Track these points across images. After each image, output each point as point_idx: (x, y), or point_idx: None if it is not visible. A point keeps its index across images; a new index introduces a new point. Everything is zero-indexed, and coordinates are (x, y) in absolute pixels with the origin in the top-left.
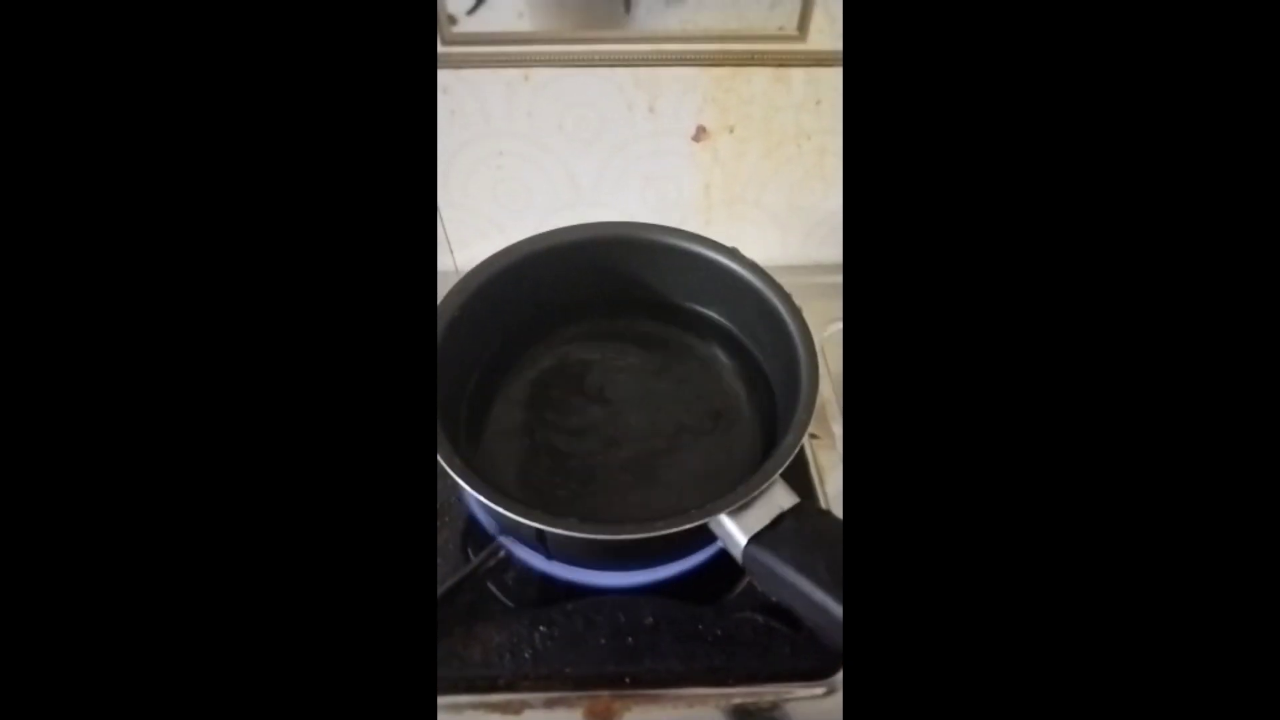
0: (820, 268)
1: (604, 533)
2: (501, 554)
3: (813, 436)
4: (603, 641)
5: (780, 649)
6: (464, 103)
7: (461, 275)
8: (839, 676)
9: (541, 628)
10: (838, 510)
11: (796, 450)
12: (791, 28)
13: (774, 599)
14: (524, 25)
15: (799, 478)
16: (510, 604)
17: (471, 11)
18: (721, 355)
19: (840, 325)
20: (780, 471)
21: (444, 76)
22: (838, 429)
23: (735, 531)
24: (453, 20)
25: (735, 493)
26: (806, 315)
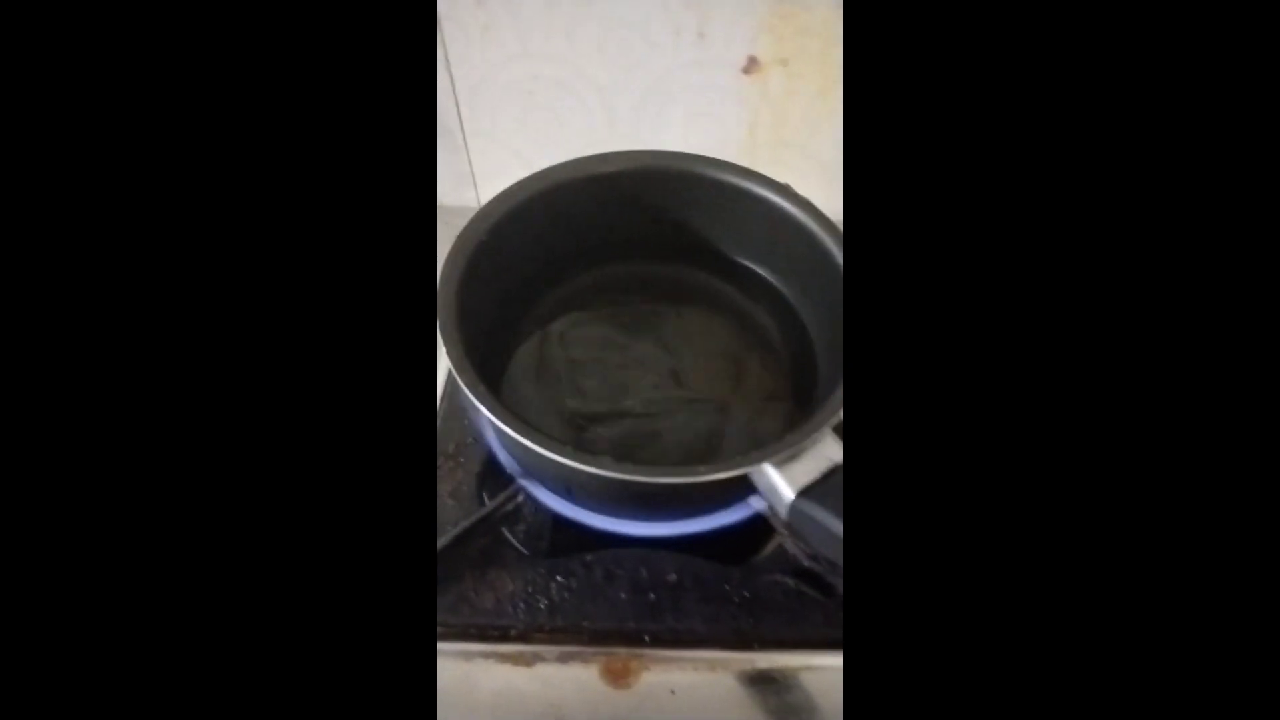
0: None
1: (641, 474)
2: (520, 498)
3: None
4: (623, 596)
5: (812, 615)
6: (498, 17)
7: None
8: None
9: (559, 577)
10: None
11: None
12: None
13: (822, 557)
14: None
15: None
16: (526, 551)
17: None
18: (763, 305)
19: None
20: (832, 424)
21: None
22: None
23: (781, 484)
24: None
25: (783, 441)
26: None
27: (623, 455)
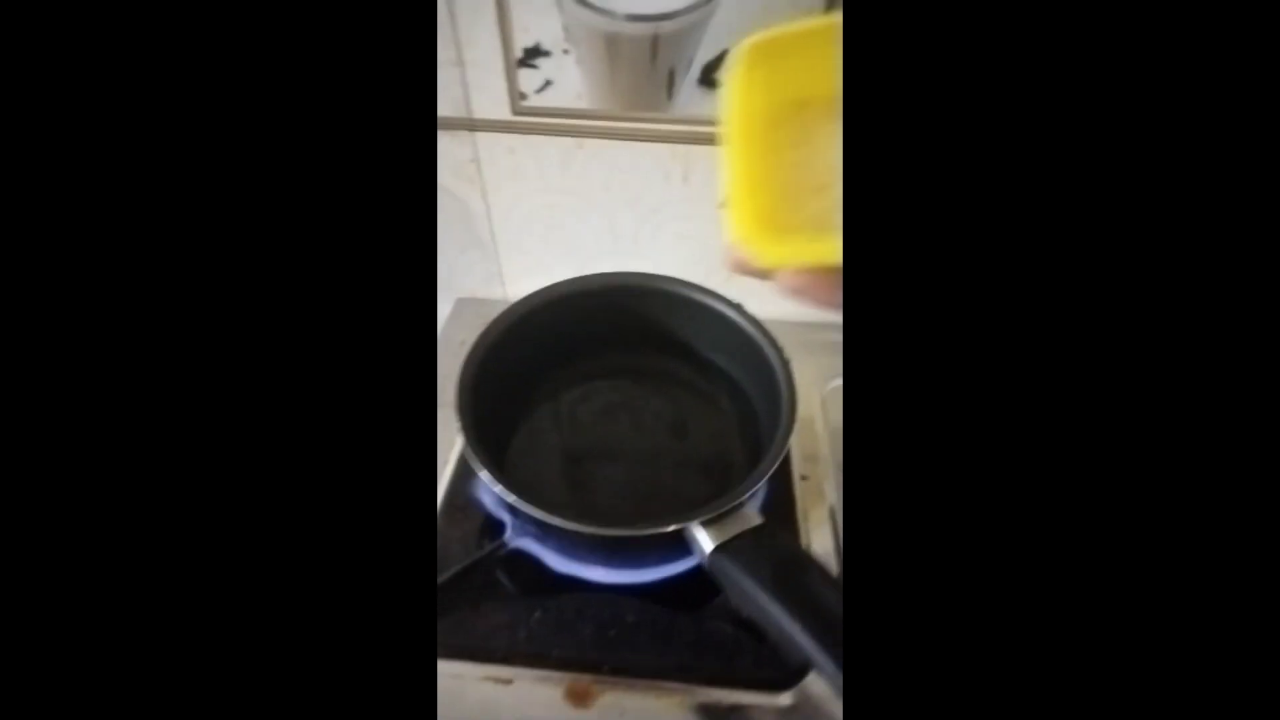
0: (829, 325)
1: (591, 525)
2: (510, 546)
3: (803, 478)
4: (588, 631)
5: (744, 658)
6: (525, 163)
7: (510, 304)
8: (798, 688)
9: (537, 612)
10: (820, 543)
11: (765, 479)
12: None
13: (733, 604)
14: (581, 104)
15: (784, 510)
16: (513, 589)
17: (540, 91)
18: (723, 393)
19: (841, 380)
20: (748, 495)
21: (512, 140)
22: (829, 486)
23: (704, 539)
24: (523, 96)
25: (708, 506)
26: (811, 369)
27: (600, 512)
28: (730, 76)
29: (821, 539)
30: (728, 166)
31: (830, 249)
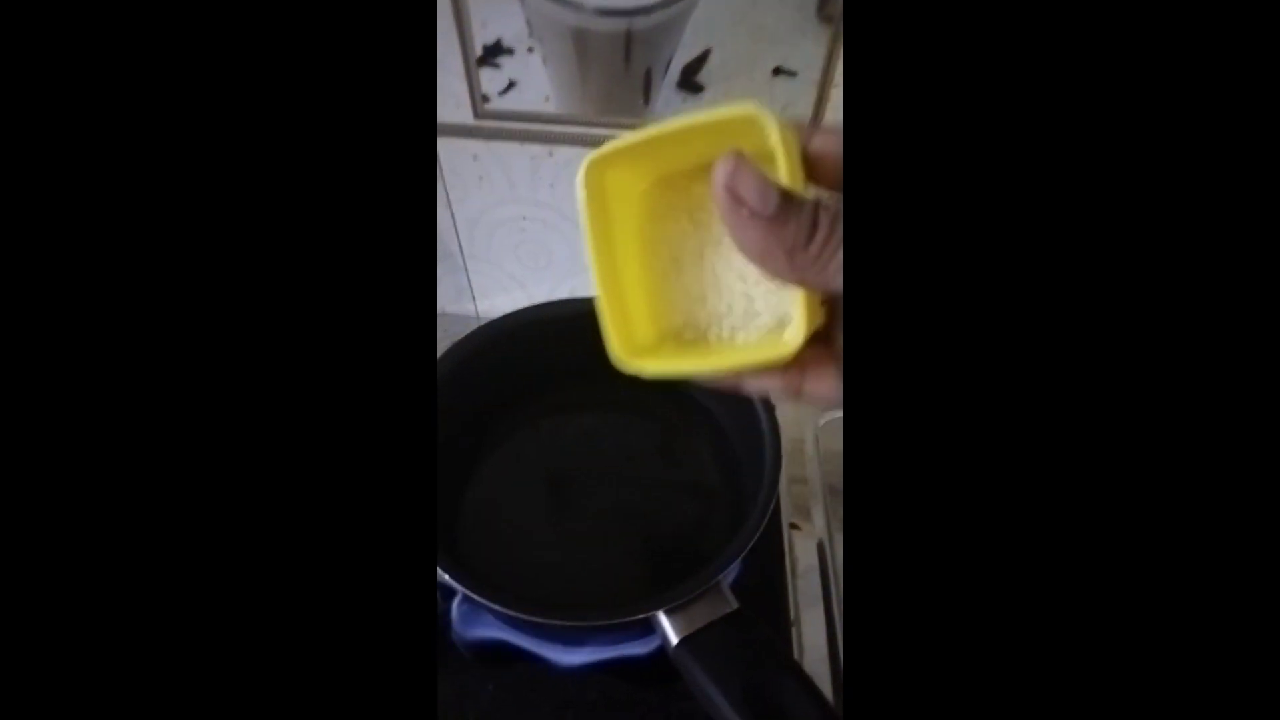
0: None
1: (536, 615)
2: (464, 608)
3: (793, 527)
4: (546, 710)
5: None
6: (491, 170)
7: (481, 323)
8: None
9: (490, 686)
10: (808, 600)
11: (740, 556)
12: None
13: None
14: (550, 108)
15: (770, 566)
16: (467, 656)
17: (503, 92)
18: (704, 435)
19: (838, 414)
20: (723, 574)
21: (475, 146)
22: (818, 513)
23: (669, 630)
24: (486, 98)
25: (675, 591)
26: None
27: (566, 570)
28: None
29: (812, 611)
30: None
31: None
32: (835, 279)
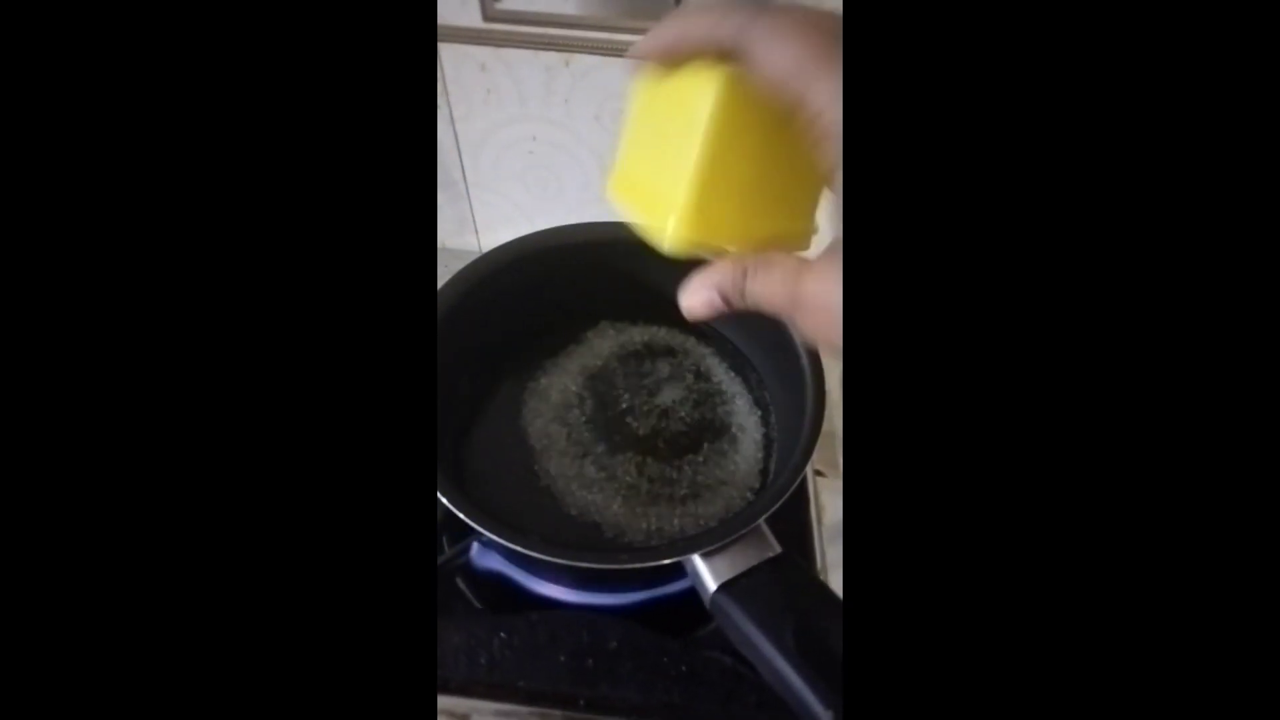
0: None
1: (565, 557)
2: (474, 552)
3: (818, 474)
4: (562, 659)
5: (746, 697)
6: (500, 82)
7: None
8: None
9: (502, 634)
10: (834, 552)
11: (786, 496)
12: None
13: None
14: (569, 8)
15: (795, 516)
16: (477, 604)
17: None
18: (729, 370)
19: None
20: (765, 517)
21: (482, 53)
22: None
23: (706, 575)
24: None
25: (712, 532)
26: None
27: (585, 515)
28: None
29: (840, 559)
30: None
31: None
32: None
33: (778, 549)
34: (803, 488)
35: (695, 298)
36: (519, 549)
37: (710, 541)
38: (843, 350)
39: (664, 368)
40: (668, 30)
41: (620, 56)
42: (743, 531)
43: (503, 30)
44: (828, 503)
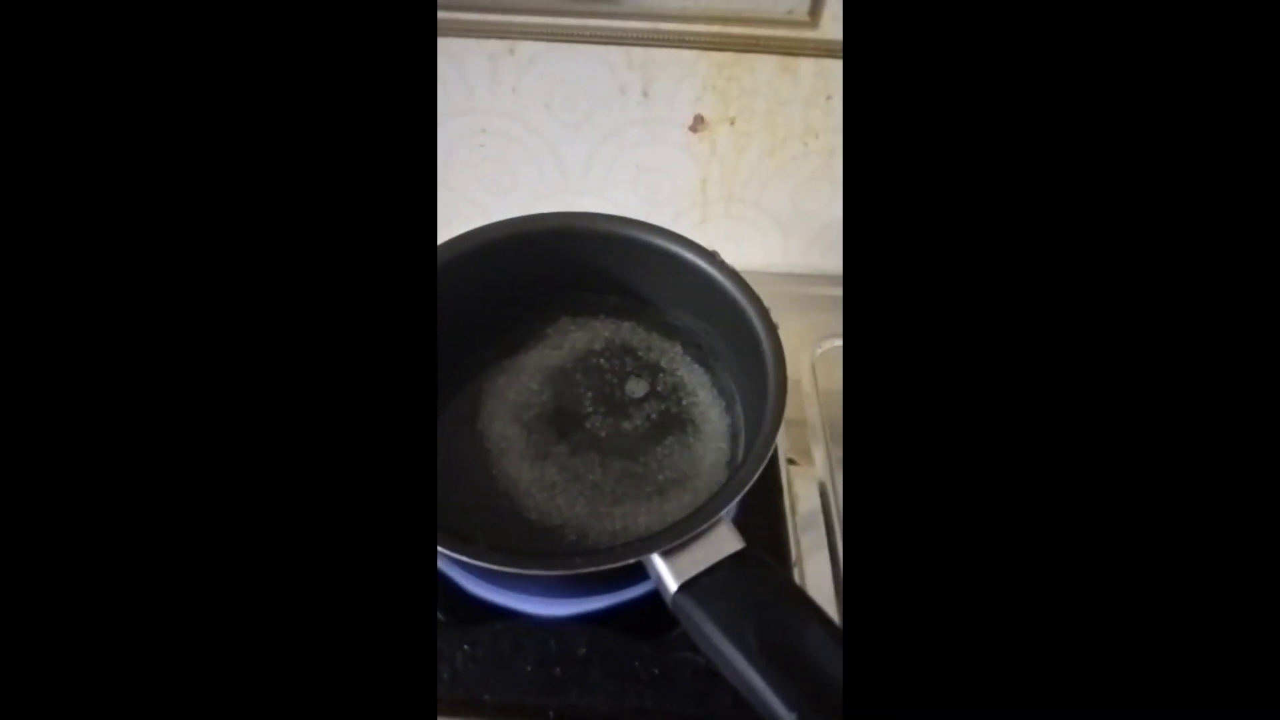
0: (823, 278)
1: (513, 565)
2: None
3: (791, 462)
4: (529, 669)
5: (719, 698)
6: (445, 73)
7: None
8: None
9: (465, 646)
10: (811, 541)
11: (746, 489)
12: (802, 12)
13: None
14: None
15: (768, 504)
16: (441, 617)
17: None
18: (693, 362)
19: (838, 342)
20: (725, 511)
21: None
22: (819, 454)
23: (666, 575)
24: None
25: (671, 529)
26: (802, 328)
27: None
28: None
29: (816, 557)
30: None
31: None
32: None
33: (741, 544)
34: (775, 477)
35: None
36: (465, 559)
37: (669, 540)
38: (843, 350)
39: (626, 362)
40: None
41: (566, 42)
42: (702, 528)
43: (442, 18)
44: (801, 491)
